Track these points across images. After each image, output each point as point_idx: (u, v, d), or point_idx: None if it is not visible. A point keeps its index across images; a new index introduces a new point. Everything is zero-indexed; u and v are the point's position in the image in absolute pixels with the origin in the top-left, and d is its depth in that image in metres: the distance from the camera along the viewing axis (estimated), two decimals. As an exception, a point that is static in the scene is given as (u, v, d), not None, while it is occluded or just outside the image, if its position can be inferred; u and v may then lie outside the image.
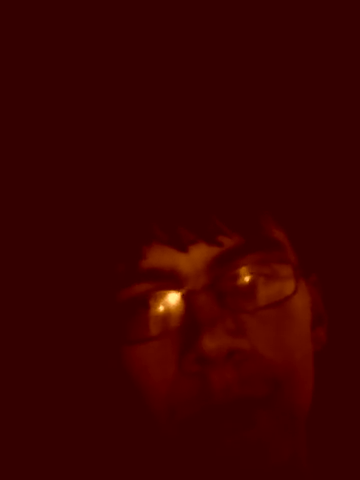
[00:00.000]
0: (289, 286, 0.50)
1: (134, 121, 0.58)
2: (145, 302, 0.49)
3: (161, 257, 0.49)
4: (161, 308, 0.49)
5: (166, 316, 0.49)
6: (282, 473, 0.49)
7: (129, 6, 0.64)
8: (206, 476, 0.49)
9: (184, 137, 0.54)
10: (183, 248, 0.49)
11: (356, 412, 0.60)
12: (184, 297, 0.48)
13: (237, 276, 0.49)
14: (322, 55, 0.63)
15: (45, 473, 0.59)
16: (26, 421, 0.62)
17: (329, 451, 0.59)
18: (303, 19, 0.66)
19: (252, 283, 0.49)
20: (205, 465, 0.48)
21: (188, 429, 0.48)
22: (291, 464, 0.50)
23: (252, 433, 0.47)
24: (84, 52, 0.64)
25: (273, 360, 0.48)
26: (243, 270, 0.49)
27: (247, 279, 0.49)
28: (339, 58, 0.63)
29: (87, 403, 0.57)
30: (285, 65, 0.62)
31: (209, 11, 0.64)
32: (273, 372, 0.48)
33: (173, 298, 0.49)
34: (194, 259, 0.49)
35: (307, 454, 0.54)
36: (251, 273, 0.49)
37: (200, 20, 0.64)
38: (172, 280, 0.49)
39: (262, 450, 0.47)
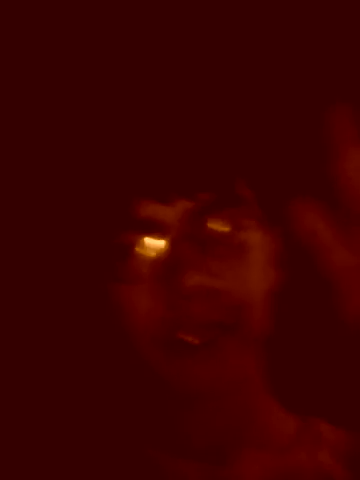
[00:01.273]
0: (254, 236, 0.60)
1: (123, 87, 0.64)
2: (134, 247, 0.58)
3: (150, 209, 0.57)
4: (148, 252, 0.58)
5: (152, 258, 0.58)
6: (243, 385, 0.61)
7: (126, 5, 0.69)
8: (176, 391, 0.59)
9: (171, 116, 0.61)
10: (167, 202, 0.57)
11: (308, 336, 0.70)
12: (169, 243, 0.58)
13: (212, 227, 0.58)
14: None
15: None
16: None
17: (282, 369, 0.69)
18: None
19: (224, 233, 0.59)
20: (178, 383, 0.58)
21: (165, 351, 0.58)
22: (250, 378, 0.61)
23: (219, 355, 0.57)
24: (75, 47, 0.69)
25: (238, 293, 0.58)
26: (218, 222, 0.59)
27: (220, 229, 0.59)
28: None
29: (77, 335, 0.64)
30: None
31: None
32: (237, 302, 0.58)
33: (159, 244, 0.58)
34: (176, 212, 0.58)
35: (261, 374, 0.65)
36: (224, 224, 0.59)
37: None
38: (159, 229, 0.58)
39: (225, 367, 0.58)
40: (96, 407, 0.63)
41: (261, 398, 0.64)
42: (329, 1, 0.68)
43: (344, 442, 0.65)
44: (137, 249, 0.58)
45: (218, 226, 0.59)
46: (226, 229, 0.59)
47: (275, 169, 0.64)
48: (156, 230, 0.58)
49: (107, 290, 0.59)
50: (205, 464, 0.61)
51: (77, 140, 0.63)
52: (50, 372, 0.66)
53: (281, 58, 0.66)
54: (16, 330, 0.68)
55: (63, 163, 0.63)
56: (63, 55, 0.68)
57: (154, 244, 0.58)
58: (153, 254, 0.58)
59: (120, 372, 0.62)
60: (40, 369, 0.67)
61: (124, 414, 0.63)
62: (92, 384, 0.64)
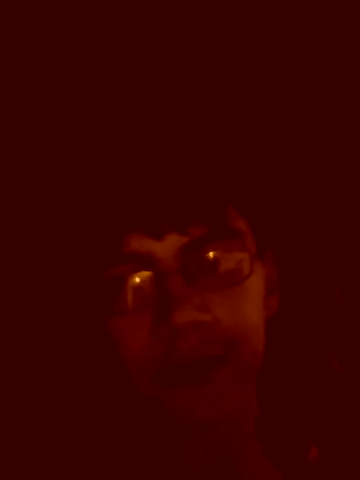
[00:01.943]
0: (246, 268, 0.59)
1: (110, 123, 0.64)
2: (126, 281, 0.58)
3: (139, 244, 0.57)
4: (139, 286, 0.58)
5: (142, 293, 0.58)
6: (236, 418, 0.60)
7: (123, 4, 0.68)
8: (171, 423, 0.59)
9: (157, 140, 0.61)
10: (159, 237, 0.57)
11: (300, 366, 0.71)
12: (158, 278, 0.57)
13: (203, 260, 0.58)
14: (277, 54, 0.68)
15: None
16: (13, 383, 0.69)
17: (277, 400, 0.69)
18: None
19: (215, 266, 0.58)
20: (170, 414, 0.58)
21: (156, 383, 0.57)
22: (243, 411, 0.61)
23: (210, 386, 0.57)
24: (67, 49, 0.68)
25: (230, 327, 0.58)
26: (208, 255, 0.58)
27: (211, 263, 0.58)
28: (294, 56, 0.69)
29: (75, 367, 0.65)
30: (243, 62, 0.67)
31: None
32: (229, 336, 0.58)
33: (149, 278, 0.58)
34: (167, 246, 0.57)
35: (256, 402, 0.65)
36: (215, 258, 0.58)
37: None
38: (148, 263, 0.57)
39: (219, 400, 0.58)
40: (89, 437, 0.64)
41: (252, 433, 0.63)
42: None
43: None
44: (128, 283, 0.58)
45: (210, 259, 0.59)
46: (218, 261, 0.59)
47: (268, 196, 0.64)
48: (147, 264, 0.58)
49: (98, 324, 0.59)
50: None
51: (66, 173, 0.63)
52: (41, 402, 0.66)
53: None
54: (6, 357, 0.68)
55: (52, 197, 0.63)
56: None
57: (145, 278, 0.58)
58: (144, 288, 0.58)
59: (112, 404, 0.62)
60: (30, 403, 0.67)
61: (116, 444, 0.63)
62: (84, 414, 0.64)
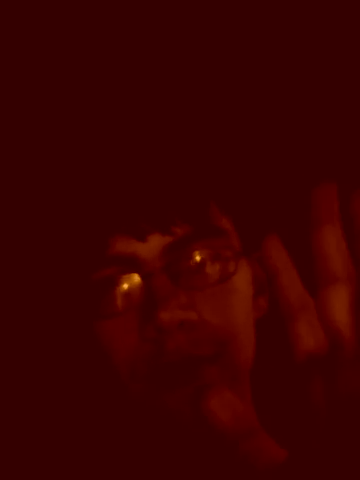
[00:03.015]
0: (231, 266, 0.60)
1: (91, 125, 0.64)
2: (111, 283, 0.58)
3: (124, 246, 0.57)
4: (124, 287, 0.58)
5: (129, 294, 0.58)
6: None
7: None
8: (162, 424, 0.59)
9: (138, 141, 0.62)
10: (142, 238, 0.57)
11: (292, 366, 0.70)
12: (144, 278, 0.57)
13: (187, 259, 0.58)
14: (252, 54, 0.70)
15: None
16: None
17: (271, 399, 0.69)
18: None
19: (200, 265, 0.59)
20: (160, 415, 0.58)
21: (146, 384, 0.57)
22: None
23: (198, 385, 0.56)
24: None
25: (218, 326, 0.58)
26: (193, 254, 0.58)
27: (196, 261, 0.58)
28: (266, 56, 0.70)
29: (64, 369, 0.65)
30: (222, 63, 0.68)
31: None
32: (218, 335, 0.57)
33: (134, 279, 0.58)
34: (151, 246, 0.57)
35: (250, 402, 0.64)
36: (199, 256, 0.59)
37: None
38: (133, 264, 0.58)
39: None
40: (80, 439, 0.63)
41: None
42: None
43: None
44: (114, 285, 0.58)
45: (195, 257, 0.59)
46: (203, 260, 0.59)
47: (251, 194, 0.64)
48: (132, 265, 0.58)
49: (85, 327, 0.59)
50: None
51: (49, 176, 0.63)
52: (28, 405, 0.66)
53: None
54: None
55: (36, 201, 0.63)
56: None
57: (131, 279, 0.58)
58: (130, 290, 0.58)
59: (102, 408, 0.62)
60: (17, 407, 0.66)
61: (108, 447, 0.62)
62: (74, 417, 0.64)
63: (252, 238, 0.65)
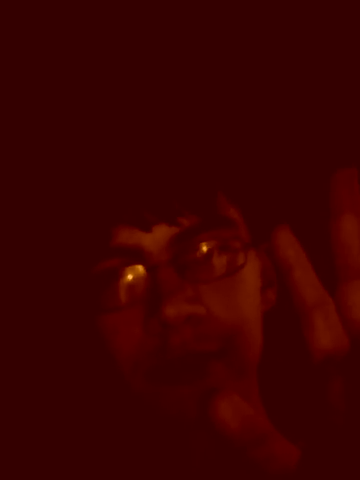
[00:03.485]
0: (240, 258, 0.57)
1: (95, 116, 0.63)
2: (115, 275, 0.56)
3: (128, 236, 0.55)
4: (129, 280, 0.56)
5: (133, 286, 0.56)
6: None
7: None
8: (167, 422, 0.57)
9: (143, 130, 0.59)
10: (147, 228, 0.55)
11: (301, 361, 0.68)
12: (149, 271, 0.55)
13: (194, 251, 0.56)
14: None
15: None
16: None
17: (279, 394, 0.67)
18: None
19: (208, 257, 0.56)
20: (165, 412, 0.56)
21: (150, 380, 0.55)
22: None
23: (205, 383, 0.54)
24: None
25: (225, 320, 0.55)
26: (200, 246, 0.56)
27: (203, 253, 0.56)
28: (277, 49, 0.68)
29: (65, 366, 0.63)
30: (231, 54, 0.67)
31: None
32: (225, 330, 0.55)
33: (139, 271, 0.55)
34: (157, 238, 0.55)
35: (259, 397, 0.62)
36: (207, 248, 0.56)
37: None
38: (138, 256, 0.55)
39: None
40: (82, 436, 0.62)
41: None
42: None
43: None
44: (118, 278, 0.56)
45: (202, 249, 0.56)
46: (211, 252, 0.56)
47: (259, 183, 0.62)
48: (136, 257, 0.56)
49: (88, 321, 0.57)
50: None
51: (51, 167, 0.61)
52: (29, 402, 0.64)
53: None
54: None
55: (37, 191, 0.61)
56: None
57: (135, 272, 0.56)
58: (135, 282, 0.56)
59: (105, 404, 0.60)
60: (18, 403, 0.65)
61: (111, 444, 0.61)
62: (76, 414, 0.62)
63: (261, 229, 0.63)
